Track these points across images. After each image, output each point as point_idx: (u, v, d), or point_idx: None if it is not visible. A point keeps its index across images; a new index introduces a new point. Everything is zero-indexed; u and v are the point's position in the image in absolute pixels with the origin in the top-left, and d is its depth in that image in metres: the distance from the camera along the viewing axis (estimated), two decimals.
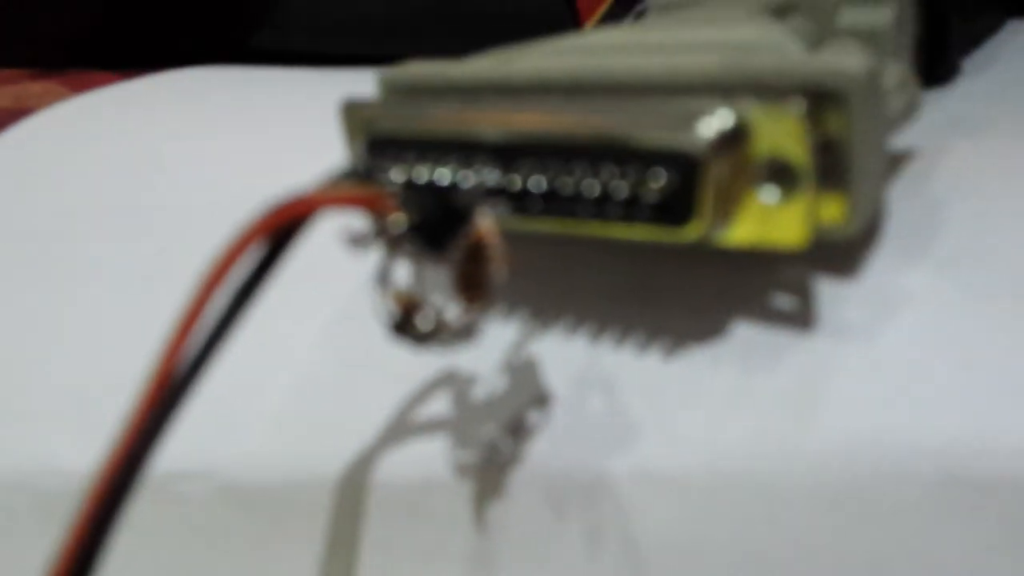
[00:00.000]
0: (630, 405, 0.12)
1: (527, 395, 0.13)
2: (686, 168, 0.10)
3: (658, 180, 0.10)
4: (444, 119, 0.12)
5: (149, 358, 0.15)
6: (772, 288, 0.12)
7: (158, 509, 0.14)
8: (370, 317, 0.14)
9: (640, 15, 0.24)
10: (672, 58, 0.12)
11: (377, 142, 0.13)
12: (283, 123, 0.20)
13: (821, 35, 0.15)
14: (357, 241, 0.10)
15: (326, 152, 0.17)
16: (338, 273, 0.14)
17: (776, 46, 0.12)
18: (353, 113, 0.13)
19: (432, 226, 0.10)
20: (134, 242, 0.17)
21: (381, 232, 0.10)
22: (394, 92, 0.14)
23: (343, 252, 0.12)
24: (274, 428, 0.14)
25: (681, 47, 0.13)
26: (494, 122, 0.12)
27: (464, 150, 0.12)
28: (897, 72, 0.13)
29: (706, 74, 0.11)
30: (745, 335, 0.12)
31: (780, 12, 0.15)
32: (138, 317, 0.16)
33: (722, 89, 0.11)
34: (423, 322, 0.10)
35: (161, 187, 0.18)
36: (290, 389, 0.14)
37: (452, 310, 0.11)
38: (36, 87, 0.27)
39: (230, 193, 0.18)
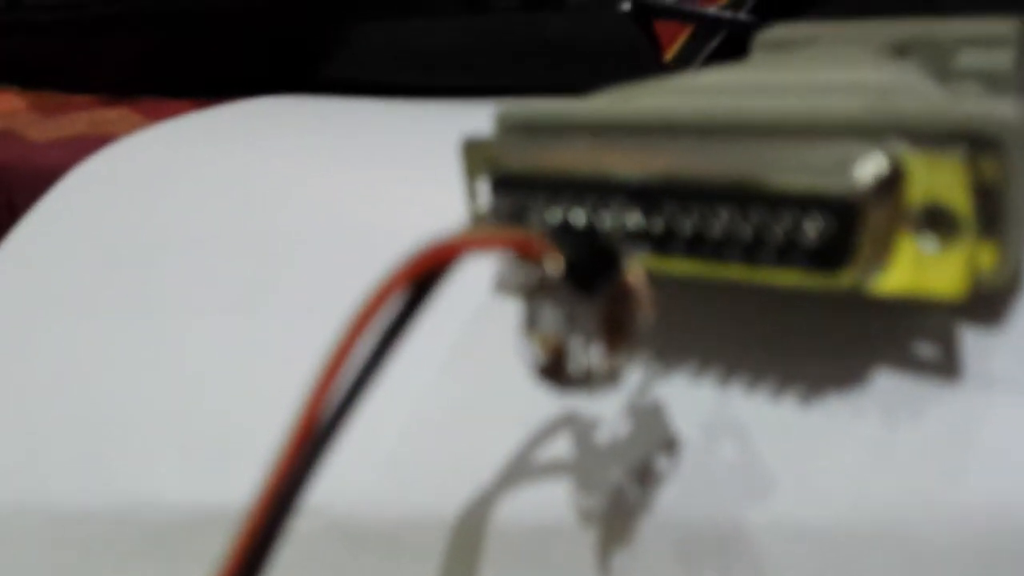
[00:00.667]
0: (764, 453, 0.12)
1: (654, 440, 0.12)
2: (844, 213, 0.10)
3: (814, 225, 0.10)
4: (577, 158, 0.12)
5: (252, 389, 0.15)
6: (913, 335, 0.12)
7: None
8: (489, 352, 0.14)
9: (718, 52, 0.24)
10: (807, 99, 0.12)
11: (502, 181, 0.13)
12: (372, 152, 0.20)
13: (940, 77, 0.14)
14: (524, 287, 0.10)
15: (420, 180, 0.17)
16: (455, 311, 0.14)
17: (917, 89, 0.12)
18: (475, 151, 0.13)
19: (582, 269, 0.10)
20: (234, 271, 0.17)
21: (532, 276, 0.10)
22: (512, 129, 0.14)
23: (461, 291, 0.12)
24: (389, 466, 0.13)
25: (812, 88, 0.13)
26: (631, 162, 0.12)
27: (599, 190, 0.12)
28: None
29: (851, 116, 0.11)
30: (886, 384, 0.12)
31: (899, 52, 0.14)
32: (236, 349, 0.16)
33: (869, 132, 0.11)
34: (573, 366, 0.10)
35: (256, 214, 0.18)
36: (406, 427, 0.14)
37: (596, 355, 0.10)
38: (110, 113, 0.27)
39: (328, 221, 0.18)
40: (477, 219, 0.11)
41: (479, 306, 0.14)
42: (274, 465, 0.10)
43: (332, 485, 0.13)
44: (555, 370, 0.10)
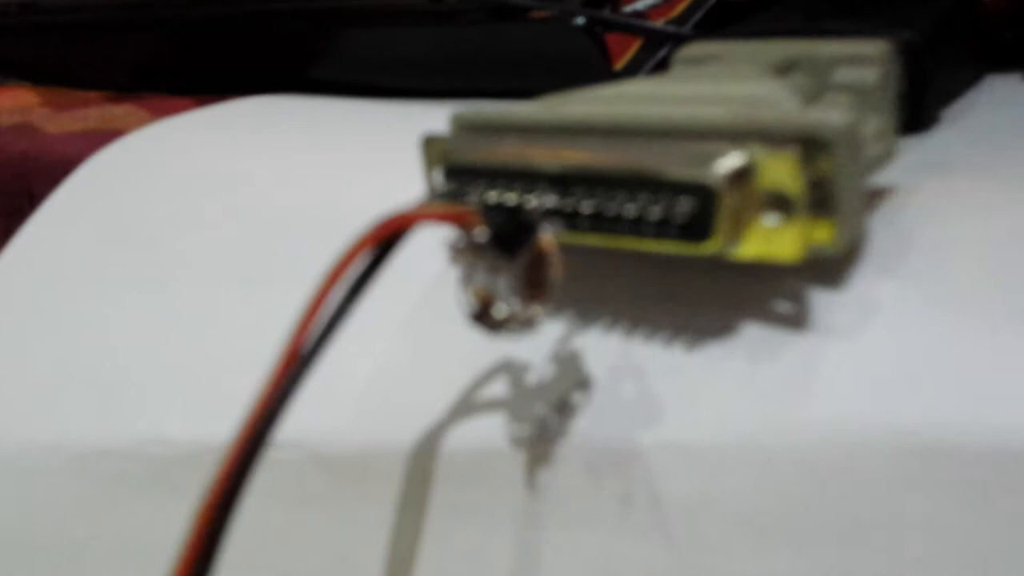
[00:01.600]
0: (657, 389, 0.15)
1: (572, 379, 0.15)
2: (706, 197, 0.13)
3: (684, 206, 0.13)
4: (510, 153, 0.15)
5: (243, 343, 0.18)
6: (774, 296, 0.15)
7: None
8: (441, 312, 0.17)
9: (664, 61, 0.27)
10: (693, 108, 0.15)
11: (453, 170, 0.16)
12: (351, 145, 0.23)
13: (818, 90, 0.17)
14: (456, 249, 0.13)
15: (389, 171, 0.20)
16: (415, 274, 0.17)
17: (777, 101, 0.15)
18: (432, 145, 0.16)
19: (506, 237, 0.13)
20: (228, 246, 0.20)
21: (467, 242, 0.13)
22: (464, 128, 0.17)
23: (420, 257, 0.15)
24: (357, 404, 0.16)
25: (701, 99, 0.16)
26: (552, 156, 0.15)
27: (526, 178, 0.15)
28: (877, 123, 0.16)
29: (721, 123, 0.14)
30: (752, 333, 0.15)
31: (784, 70, 0.17)
32: (231, 310, 0.19)
33: (734, 135, 0.14)
34: (497, 313, 0.13)
35: (247, 199, 0.21)
36: (371, 371, 0.17)
37: (518, 305, 0.13)
38: (118, 109, 0.30)
39: (309, 207, 0.21)
40: (430, 197, 0.14)
41: (434, 275, 0.17)
42: (262, 387, 0.13)
43: (311, 422, 0.16)
44: (484, 316, 0.13)
